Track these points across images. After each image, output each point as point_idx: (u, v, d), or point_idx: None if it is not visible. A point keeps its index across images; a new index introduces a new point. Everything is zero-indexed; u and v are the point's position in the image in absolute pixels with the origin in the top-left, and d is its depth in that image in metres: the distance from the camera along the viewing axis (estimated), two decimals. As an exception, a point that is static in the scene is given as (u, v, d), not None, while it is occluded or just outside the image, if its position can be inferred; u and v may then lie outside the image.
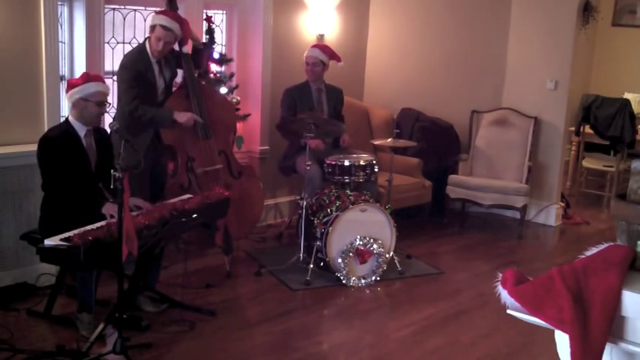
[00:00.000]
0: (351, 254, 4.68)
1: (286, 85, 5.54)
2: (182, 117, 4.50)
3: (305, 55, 5.46)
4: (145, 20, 5.15)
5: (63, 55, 4.62)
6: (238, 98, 5.48)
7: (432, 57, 6.72)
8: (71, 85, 3.73)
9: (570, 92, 6.32)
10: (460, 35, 6.60)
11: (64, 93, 4.11)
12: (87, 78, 3.74)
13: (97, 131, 3.85)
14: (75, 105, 3.71)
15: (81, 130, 3.73)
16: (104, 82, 3.81)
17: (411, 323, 4.21)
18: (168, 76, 4.62)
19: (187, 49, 4.68)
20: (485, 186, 6.10)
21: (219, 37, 5.69)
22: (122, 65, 4.46)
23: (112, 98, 4.77)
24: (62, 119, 4.58)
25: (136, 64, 4.41)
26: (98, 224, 3.42)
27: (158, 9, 4.64)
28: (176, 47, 4.66)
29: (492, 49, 6.55)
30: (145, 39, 4.53)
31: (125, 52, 4.69)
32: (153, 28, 4.42)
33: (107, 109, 3.81)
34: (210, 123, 4.71)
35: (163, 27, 4.39)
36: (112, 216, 3.54)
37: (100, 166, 3.78)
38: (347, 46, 6.44)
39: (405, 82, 6.78)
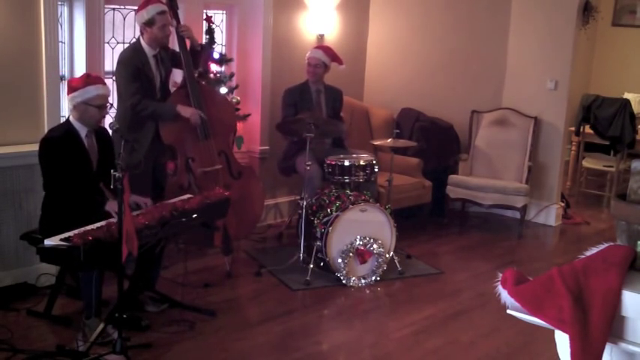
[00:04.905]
0: (351, 254, 4.68)
1: (286, 85, 5.53)
2: (186, 111, 4.50)
3: (307, 55, 5.45)
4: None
5: (63, 55, 4.62)
6: (238, 98, 5.48)
7: (432, 57, 6.72)
8: (72, 88, 3.70)
9: (570, 92, 6.32)
10: (460, 35, 6.60)
11: (65, 94, 4.08)
12: (87, 80, 3.69)
13: (98, 131, 3.84)
14: (76, 108, 3.70)
15: (82, 131, 3.73)
16: (104, 83, 3.79)
17: (411, 323, 4.21)
18: (164, 72, 4.59)
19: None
20: (485, 186, 6.10)
21: (219, 37, 5.68)
22: (120, 62, 4.45)
23: (112, 98, 4.78)
24: (62, 119, 4.58)
25: (133, 60, 4.39)
26: (98, 224, 3.42)
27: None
28: (176, 48, 4.67)
29: (492, 49, 6.54)
30: (139, 36, 4.50)
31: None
32: (151, 21, 4.36)
33: (107, 111, 3.79)
34: (210, 123, 4.70)
35: (161, 13, 4.37)
36: (117, 213, 3.53)
37: (101, 165, 3.78)
38: (347, 46, 6.44)
39: (405, 82, 6.78)
